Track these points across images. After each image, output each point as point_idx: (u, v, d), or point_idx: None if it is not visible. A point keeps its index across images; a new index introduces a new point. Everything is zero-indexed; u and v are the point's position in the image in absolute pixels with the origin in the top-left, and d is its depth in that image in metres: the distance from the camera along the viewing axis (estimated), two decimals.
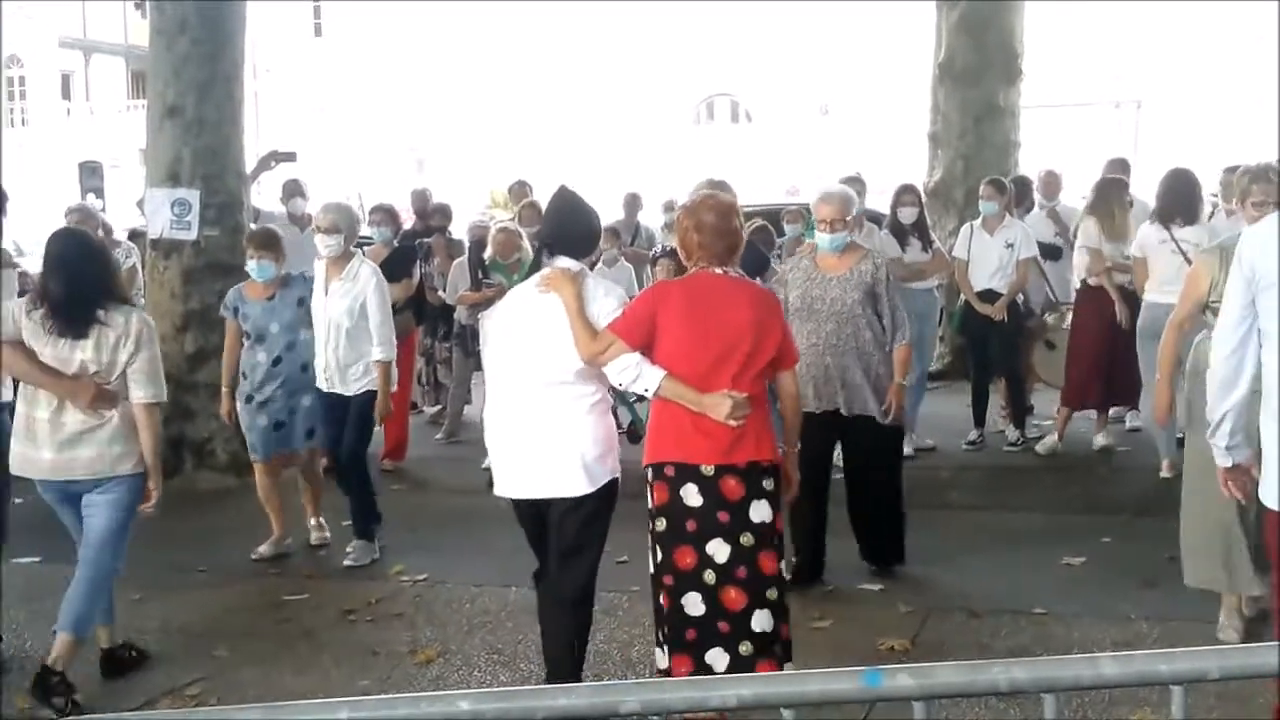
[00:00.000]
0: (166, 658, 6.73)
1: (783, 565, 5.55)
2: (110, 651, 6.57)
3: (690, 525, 5.37)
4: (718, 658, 5.39)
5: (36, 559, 8.31)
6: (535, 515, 5.76)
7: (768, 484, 5.46)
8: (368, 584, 7.90)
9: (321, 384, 8.34)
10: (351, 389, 8.29)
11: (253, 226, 10.34)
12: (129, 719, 2.55)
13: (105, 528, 6.17)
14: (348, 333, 8.19)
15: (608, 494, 5.63)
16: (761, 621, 5.38)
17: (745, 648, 5.36)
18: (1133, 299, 10.11)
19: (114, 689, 6.31)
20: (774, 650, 5.43)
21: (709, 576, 5.36)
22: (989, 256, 10.87)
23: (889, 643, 6.52)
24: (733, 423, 5.32)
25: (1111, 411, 10.93)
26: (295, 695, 5.47)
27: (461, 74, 49.44)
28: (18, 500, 9.72)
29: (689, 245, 5.55)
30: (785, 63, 47.77)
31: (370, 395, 8.26)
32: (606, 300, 5.58)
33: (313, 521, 8.87)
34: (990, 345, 11.08)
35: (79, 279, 6.04)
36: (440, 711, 2.49)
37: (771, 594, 5.42)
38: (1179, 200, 9.53)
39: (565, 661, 5.71)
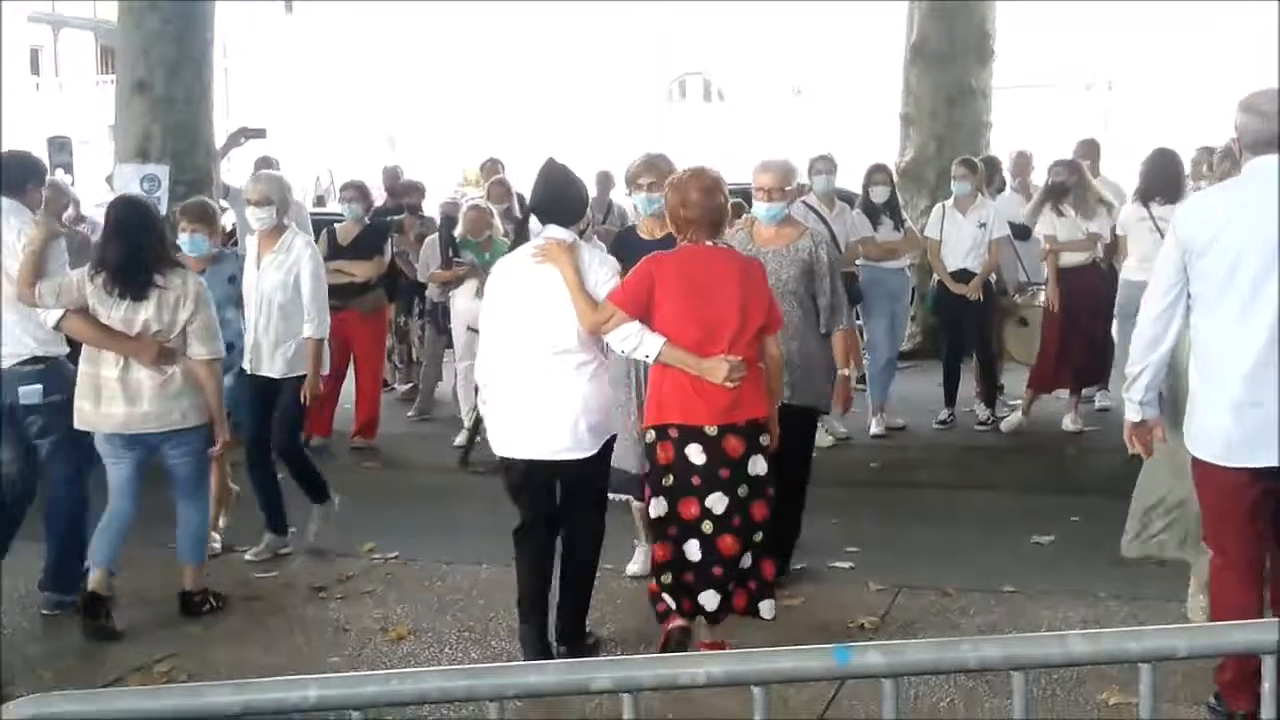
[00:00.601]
0: (136, 634, 6.70)
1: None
2: (189, 595, 6.99)
3: (695, 480, 5.79)
4: (710, 599, 5.84)
5: None
6: (528, 474, 6.14)
7: (764, 440, 5.88)
8: (339, 561, 7.88)
9: (246, 365, 7.87)
10: (280, 370, 7.85)
11: (223, 203, 10.26)
12: (101, 694, 2.54)
13: (189, 475, 6.91)
14: (281, 308, 7.79)
15: (605, 452, 6.14)
16: (747, 561, 5.89)
17: (733, 587, 5.89)
18: (1099, 275, 10.20)
19: (84, 664, 6.31)
20: (756, 584, 5.95)
21: (707, 526, 5.79)
22: (962, 236, 10.90)
23: (859, 620, 6.56)
24: (730, 385, 5.70)
25: (1082, 391, 10.99)
26: (266, 672, 5.46)
27: (433, 51, 49.22)
28: None
29: (679, 220, 5.89)
30: (758, 42, 47.70)
31: (302, 381, 7.81)
32: (602, 269, 5.97)
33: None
34: (962, 325, 11.11)
35: (138, 245, 6.57)
36: (410, 689, 2.49)
37: (758, 537, 5.89)
38: (1160, 179, 9.62)
39: (539, 602, 6.19)
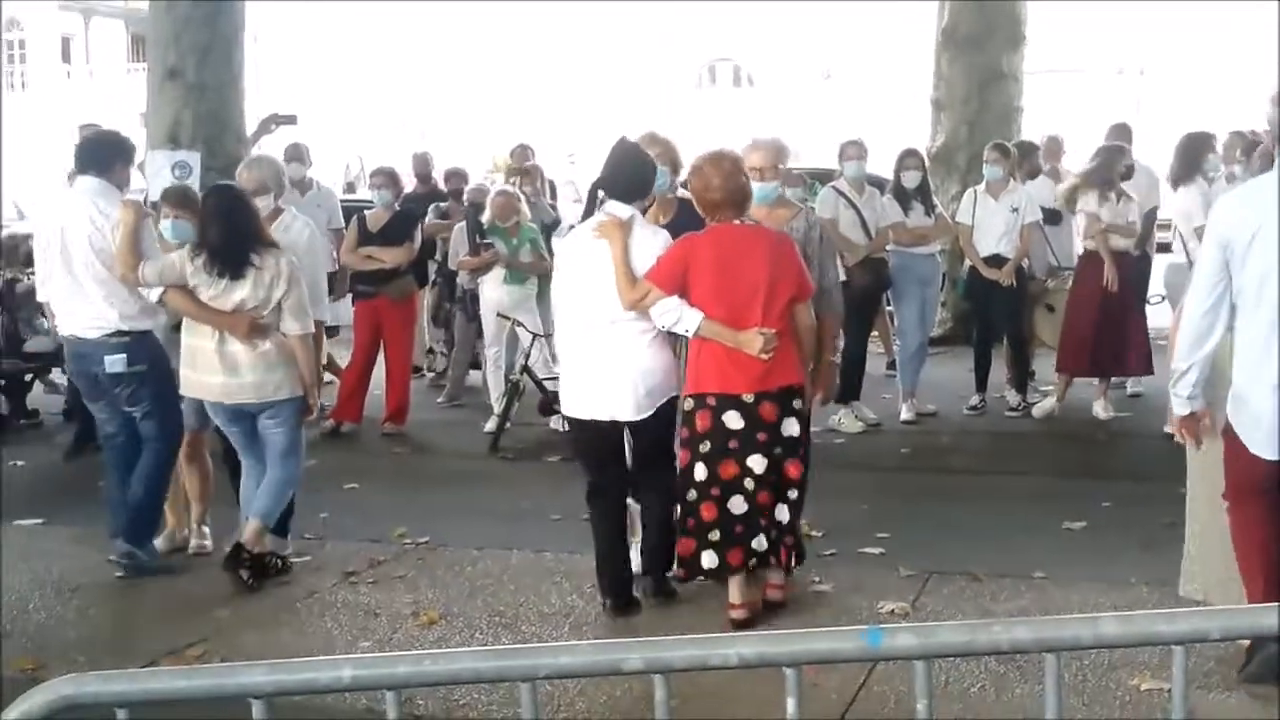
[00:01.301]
0: (167, 619, 6.74)
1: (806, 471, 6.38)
2: (259, 556, 7.15)
3: (733, 444, 6.17)
4: (760, 542, 6.24)
5: (39, 520, 8.34)
6: (598, 434, 6.56)
7: (797, 404, 6.29)
8: (370, 546, 7.89)
9: None
10: None
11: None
12: (135, 674, 2.56)
13: (283, 444, 7.21)
14: None
15: (669, 410, 6.46)
16: (782, 514, 6.30)
17: (774, 534, 6.28)
18: (1131, 263, 10.18)
19: (116, 648, 6.33)
20: (791, 541, 6.38)
21: (749, 483, 6.19)
22: (994, 221, 10.85)
23: (889, 606, 6.53)
24: (764, 356, 6.09)
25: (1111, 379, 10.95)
26: (296, 656, 5.47)
27: (463, 38, 49.25)
28: (20, 463, 9.81)
29: (705, 203, 6.26)
30: (787, 27, 47.59)
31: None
32: (653, 243, 6.32)
33: (195, 526, 7.89)
34: (994, 310, 11.07)
35: (234, 227, 7.00)
36: (443, 669, 2.49)
37: (793, 494, 6.33)
38: (1191, 164, 9.62)
39: (612, 558, 6.61)
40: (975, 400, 11.11)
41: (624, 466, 6.66)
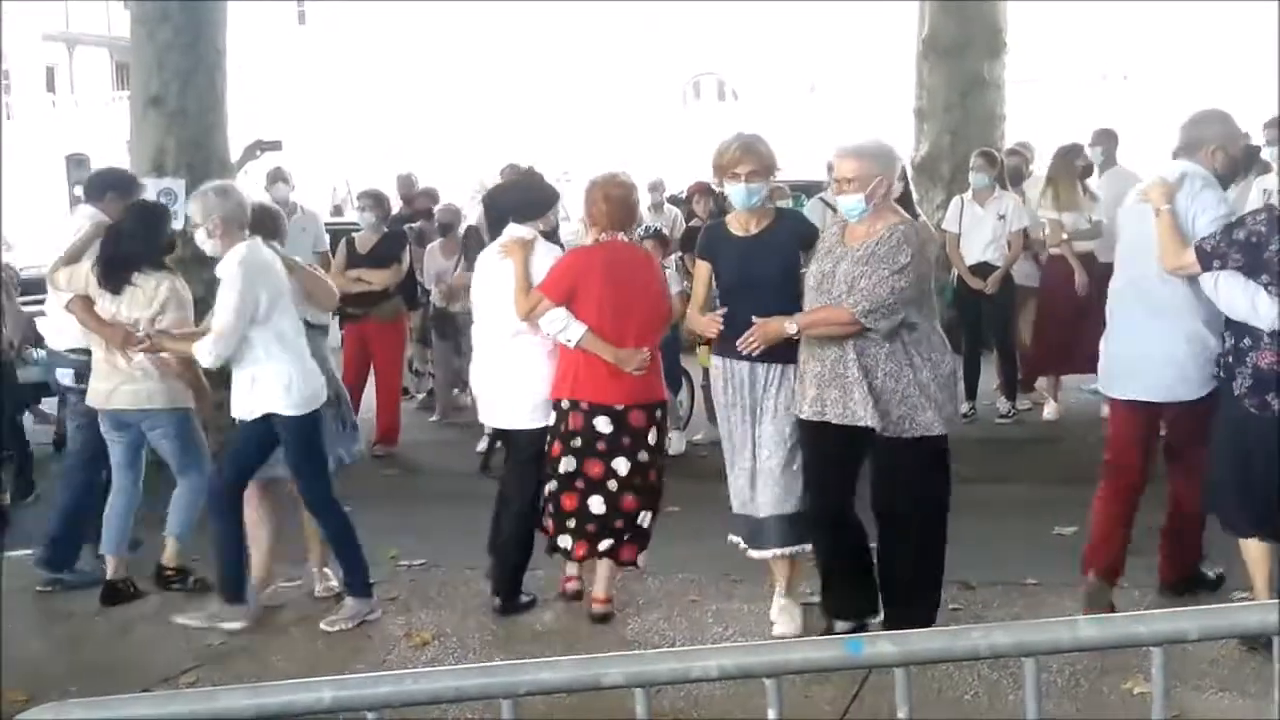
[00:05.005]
0: (160, 646, 6.73)
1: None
2: (163, 569, 7.53)
3: (600, 446, 6.65)
4: (607, 545, 6.72)
5: (29, 552, 8.32)
6: (506, 442, 7.29)
7: (658, 414, 6.82)
8: None
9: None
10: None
11: None
12: (115, 701, 2.56)
13: (171, 453, 7.43)
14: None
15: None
16: (645, 520, 6.81)
17: (627, 536, 6.75)
18: (1094, 266, 10.21)
19: (108, 677, 6.32)
20: (642, 538, 6.84)
21: (612, 485, 6.68)
22: (982, 229, 10.89)
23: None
24: (638, 372, 6.60)
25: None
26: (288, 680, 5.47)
27: (447, 57, 49.28)
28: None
29: (595, 219, 6.74)
30: (771, 41, 47.66)
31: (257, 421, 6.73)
32: (548, 260, 6.76)
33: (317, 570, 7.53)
34: (982, 318, 11.10)
35: (123, 244, 7.24)
36: (424, 688, 2.50)
37: (653, 499, 6.85)
38: None
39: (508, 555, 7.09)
40: (965, 408, 11.11)
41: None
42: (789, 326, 5.90)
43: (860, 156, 5.93)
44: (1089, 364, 10.75)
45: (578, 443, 6.67)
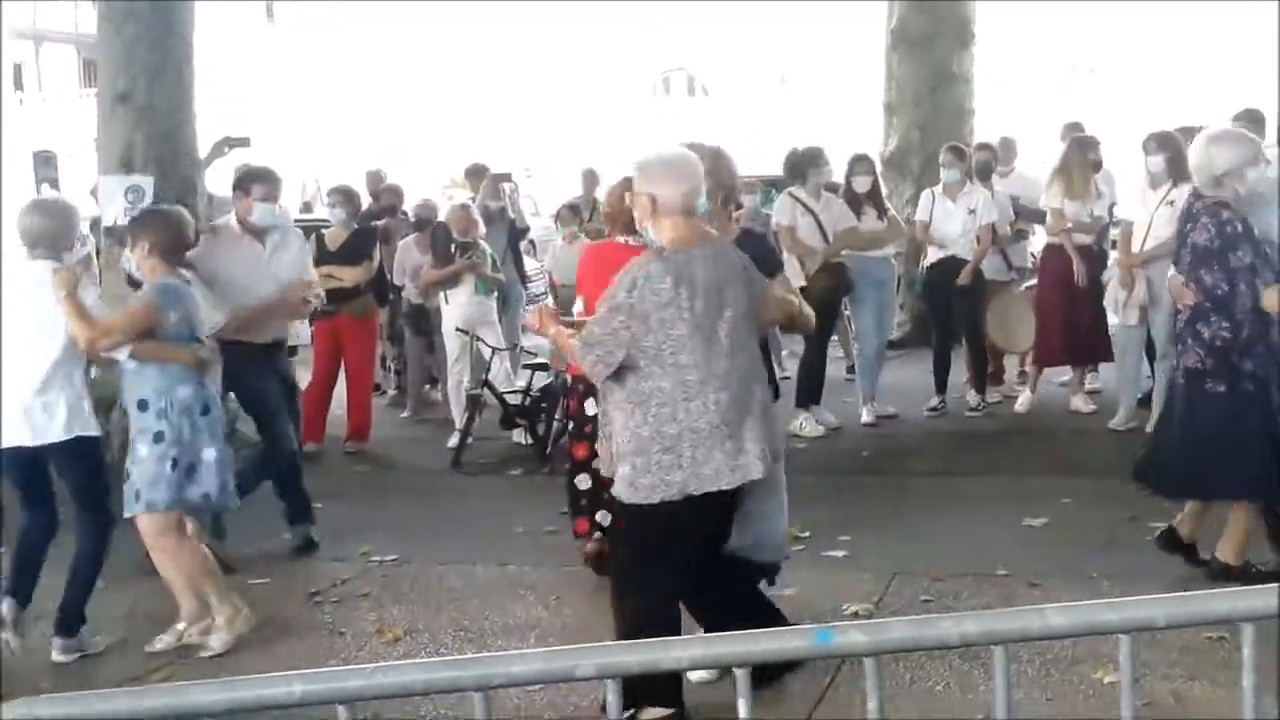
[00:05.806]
0: (132, 645, 6.70)
1: None
2: None
3: (586, 429, 6.82)
4: (604, 517, 6.77)
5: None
6: None
7: None
8: (333, 565, 7.87)
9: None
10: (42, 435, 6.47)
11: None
12: (85, 696, 2.55)
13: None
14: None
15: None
16: None
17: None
18: (1092, 257, 10.24)
19: (80, 676, 6.29)
20: None
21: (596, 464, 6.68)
22: (952, 223, 10.91)
23: (853, 608, 6.55)
24: None
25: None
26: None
27: (417, 52, 49.20)
28: None
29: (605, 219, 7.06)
30: (740, 36, 47.71)
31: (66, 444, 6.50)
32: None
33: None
34: (952, 311, 11.12)
35: None
36: (394, 681, 2.49)
37: None
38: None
39: None
40: (935, 401, 11.16)
41: None
42: None
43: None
44: (1089, 355, 10.90)
45: (570, 426, 7.09)
